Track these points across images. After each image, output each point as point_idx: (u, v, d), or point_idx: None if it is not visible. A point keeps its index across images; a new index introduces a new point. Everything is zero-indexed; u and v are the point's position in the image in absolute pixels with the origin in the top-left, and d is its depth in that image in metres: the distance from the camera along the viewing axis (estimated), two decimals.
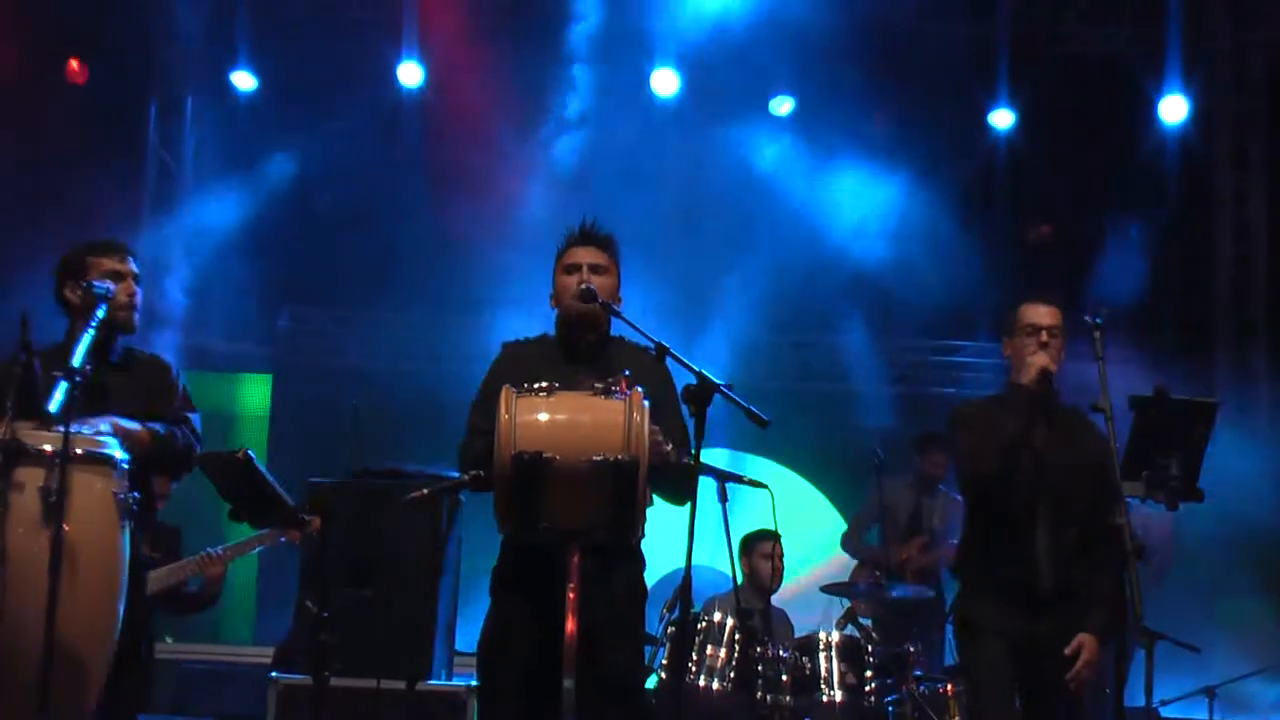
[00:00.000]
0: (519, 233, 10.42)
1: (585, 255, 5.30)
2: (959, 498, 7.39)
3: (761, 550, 8.24)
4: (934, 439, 9.44)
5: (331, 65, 10.79)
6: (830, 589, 8.77)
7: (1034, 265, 11.26)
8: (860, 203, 11.16)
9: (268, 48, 11.07)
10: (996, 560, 5.81)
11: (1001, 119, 11.43)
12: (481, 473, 4.91)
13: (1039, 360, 5.76)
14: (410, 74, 11.10)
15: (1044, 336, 5.82)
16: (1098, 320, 5.42)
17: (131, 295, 5.55)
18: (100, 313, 5.26)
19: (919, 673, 7.67)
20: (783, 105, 11.47)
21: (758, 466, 11.04)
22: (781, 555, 8.29)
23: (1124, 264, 11.01)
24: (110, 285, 5.38)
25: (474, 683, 5.66)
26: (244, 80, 11.19)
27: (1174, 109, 11.26)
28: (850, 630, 7.73)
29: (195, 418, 5.75)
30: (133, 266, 5.59)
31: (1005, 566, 5.77)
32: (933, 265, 10.98)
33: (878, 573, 8.68)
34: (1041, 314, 5.88)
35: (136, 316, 5.60)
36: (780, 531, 7.73)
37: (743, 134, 11.39)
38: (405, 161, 11.09)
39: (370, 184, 10.92)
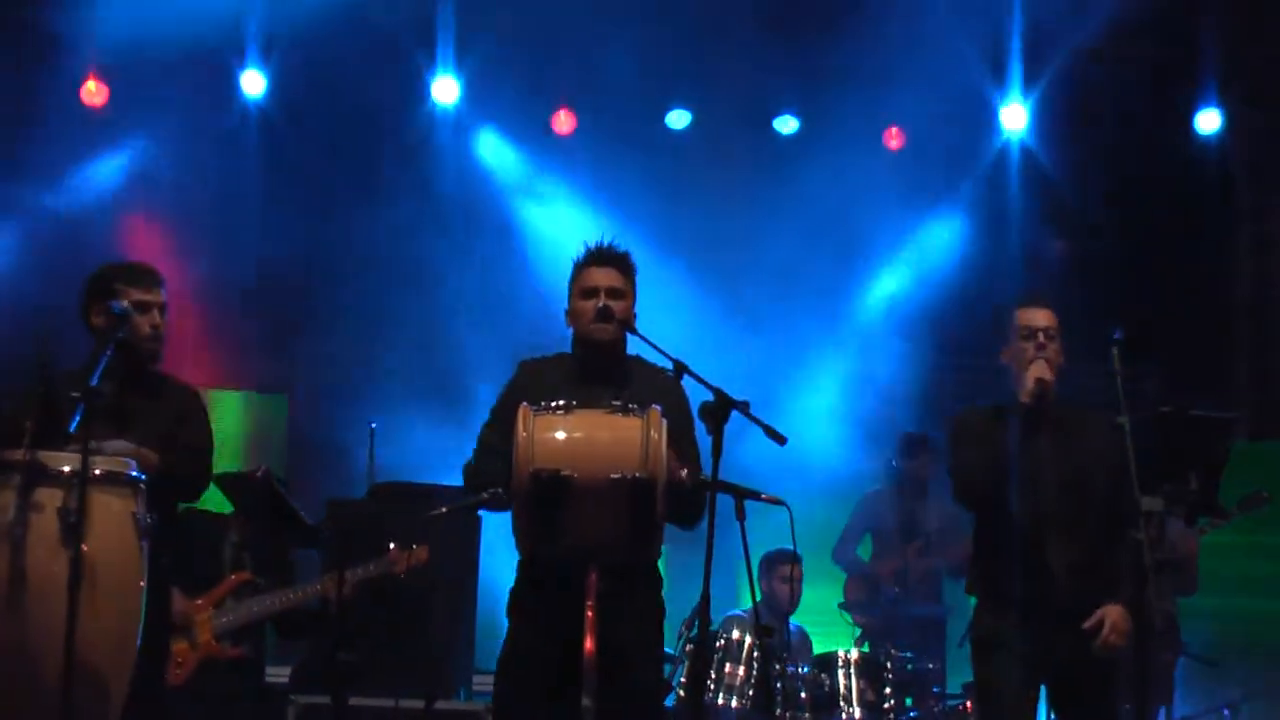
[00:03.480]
0: (540, 252, 10.46)
1: (603, 278, 5.26)
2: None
3: (781, 573, 8.20)
4: (916, 440, 9.25)
5: (357, 83, 10.76)
6: (844, 607, 8.77)
7: (1049, 278, 11.18)
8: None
9: (280, 60, 11.02)
10: (1010, 576, 5.74)
11: (1014, 118, 11.34)
12: (500, 491, 4.91)
13: (1034, 372, 5.68)
14: (445, 91, 11.03)
15: (1040, 339, 5.74)
16: (1116, 335, 5.39)
17: (157, 326, 5.51)
18: (120, 334, 5.27)
19: (938, 690, 7.66)
20: (787, 124, 11.40)
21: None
22: (801, 577, 8.26)
23: (1143, 277, 10.98)
24: (127, 305, 5.37)
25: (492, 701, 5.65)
26: (254, 85, 11.06)
27: (1209, 120, 11.21)
28: (869, 648, 7.72)
29: (212, 443, 5.74)
30: (161, 295, 5.57)
31: (1019, 582, 5.70)
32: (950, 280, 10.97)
33: (897, 589, 8.64)
34: (1037, 316, 5.79)
35: (162, 346, 5.57)
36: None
37: (750, 151, 11.35)
38: (429, 179, 11.06)
39: (394, 203, 10.90)
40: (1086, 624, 5.53)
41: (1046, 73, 11.04)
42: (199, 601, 6.94)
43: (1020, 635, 5.65)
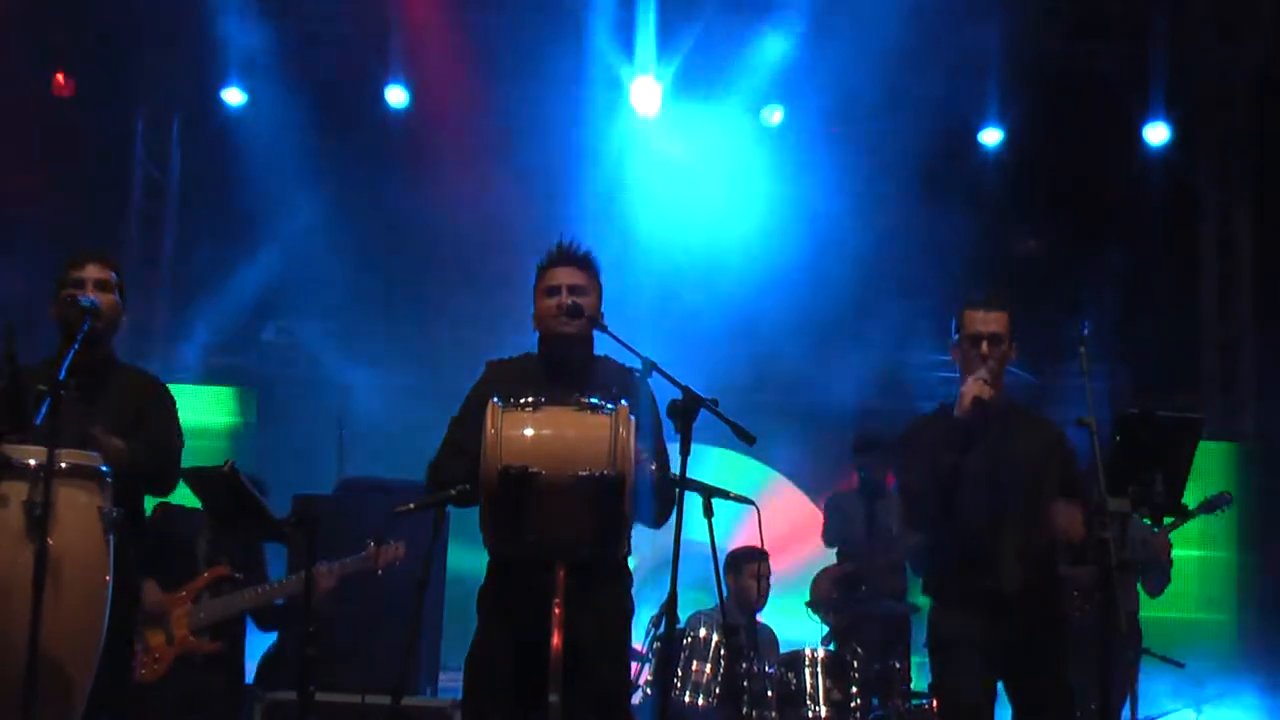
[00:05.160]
0: (504, 245, 10.42)
1: (565, 276, 5.28)
2: None
3: (749, 570, 8.21)
4: (872, 443, 9.11)
5: (319, 82, 10.77)
6: (811, 605, 8.76)
7: (1020, 279, 11.23)
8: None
9: (256, 63, 11.03)
10: (960, 571, 5.75)
11: (989, 136, 11.47)
12: (468, 487, 4.90)
13: (971, 390, 5.58)
14: (397, 95, 11.09)
15: (984, 346, 5.63)
16: (1083, 333, 5.37)
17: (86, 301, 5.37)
18: (84, 327, 5.24)
19: (904, 689, 7.67)
20: (774, 114, 11.45)
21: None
22: (769, 574, 8.26)
23: (1109, 280, 11.03)
24: (94, 299, 5.35)
25: (459, 697, 5.64)
26: (233, 96, 11.17)
27: (1157, 133, 11.31)
28: (835, 647, 7.73)
29: (180, 437, 5.73)
30: (90, 271, 5.52)
31: (969, 576, 5.70)
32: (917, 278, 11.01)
33: (864, 588, 8.64)
34: (984, 320, 5.68)
35: (102, 321, 5.45)
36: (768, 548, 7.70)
37: (725, 143, 11.35)
38: (392, 175, 11.07)
39: (358, 198, 10.90)
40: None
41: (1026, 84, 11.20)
42: (177, 595, 6.93)
43: (975, 633, 5.65)
